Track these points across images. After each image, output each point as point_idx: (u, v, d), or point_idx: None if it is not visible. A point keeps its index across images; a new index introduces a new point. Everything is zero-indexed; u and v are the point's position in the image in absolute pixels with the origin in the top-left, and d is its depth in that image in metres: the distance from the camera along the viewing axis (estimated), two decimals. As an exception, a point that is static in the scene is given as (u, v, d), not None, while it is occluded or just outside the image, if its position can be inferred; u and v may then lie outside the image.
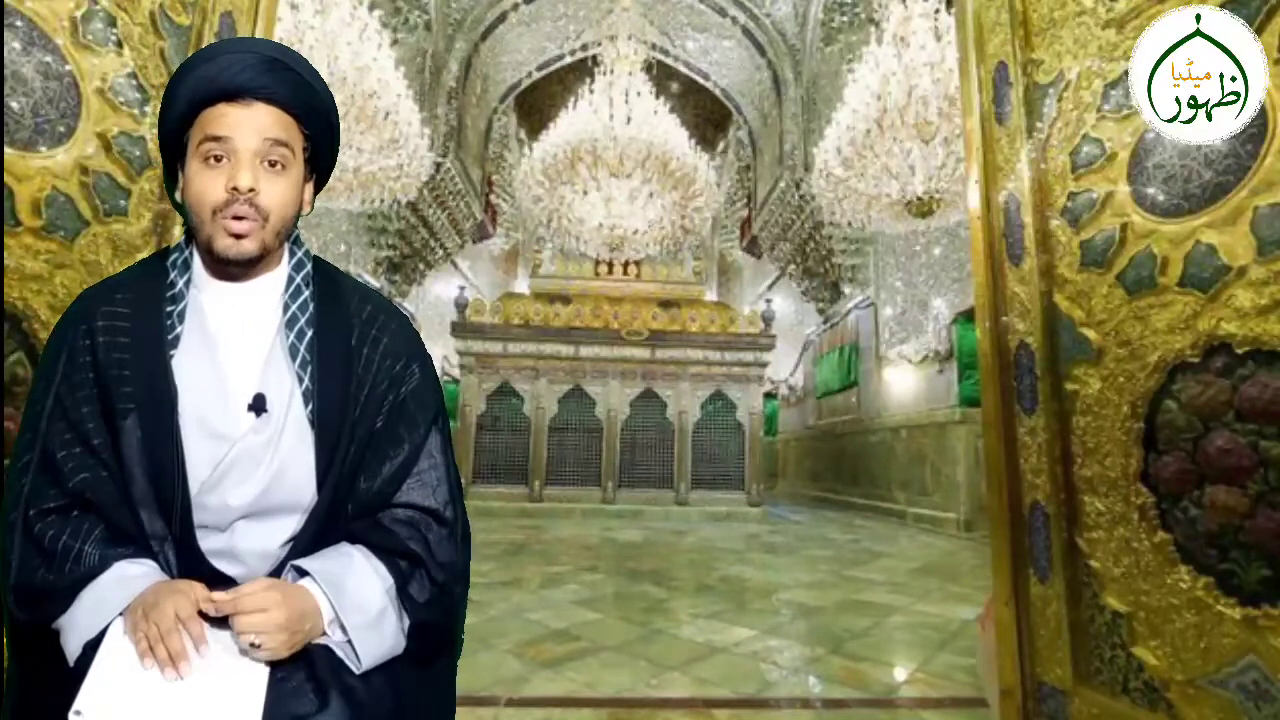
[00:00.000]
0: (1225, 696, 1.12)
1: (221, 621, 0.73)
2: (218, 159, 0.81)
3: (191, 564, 0.80)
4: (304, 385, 0.84)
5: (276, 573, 0.82)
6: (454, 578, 0.87)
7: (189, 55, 0.87)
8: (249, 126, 0.81)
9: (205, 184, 0.81)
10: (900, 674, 2.51)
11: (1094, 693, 1.33)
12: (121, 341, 0.81)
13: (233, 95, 0.81)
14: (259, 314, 0.88)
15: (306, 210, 0.92)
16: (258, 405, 0.81)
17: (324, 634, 0.76)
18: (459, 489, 0.93)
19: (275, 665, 0.73)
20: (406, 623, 0.81)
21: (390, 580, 0.82)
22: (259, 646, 0.70)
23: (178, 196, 0.87)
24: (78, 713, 0.63)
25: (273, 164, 0.83)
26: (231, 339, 0.86)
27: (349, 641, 0.76)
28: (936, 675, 2.44)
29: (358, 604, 0.78)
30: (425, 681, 0.87)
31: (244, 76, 0.82)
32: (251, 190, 0.81)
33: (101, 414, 0.79)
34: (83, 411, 0.79)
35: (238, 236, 0.81)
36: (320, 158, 0.93)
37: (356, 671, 0.76)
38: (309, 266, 0.93)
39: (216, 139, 0.81)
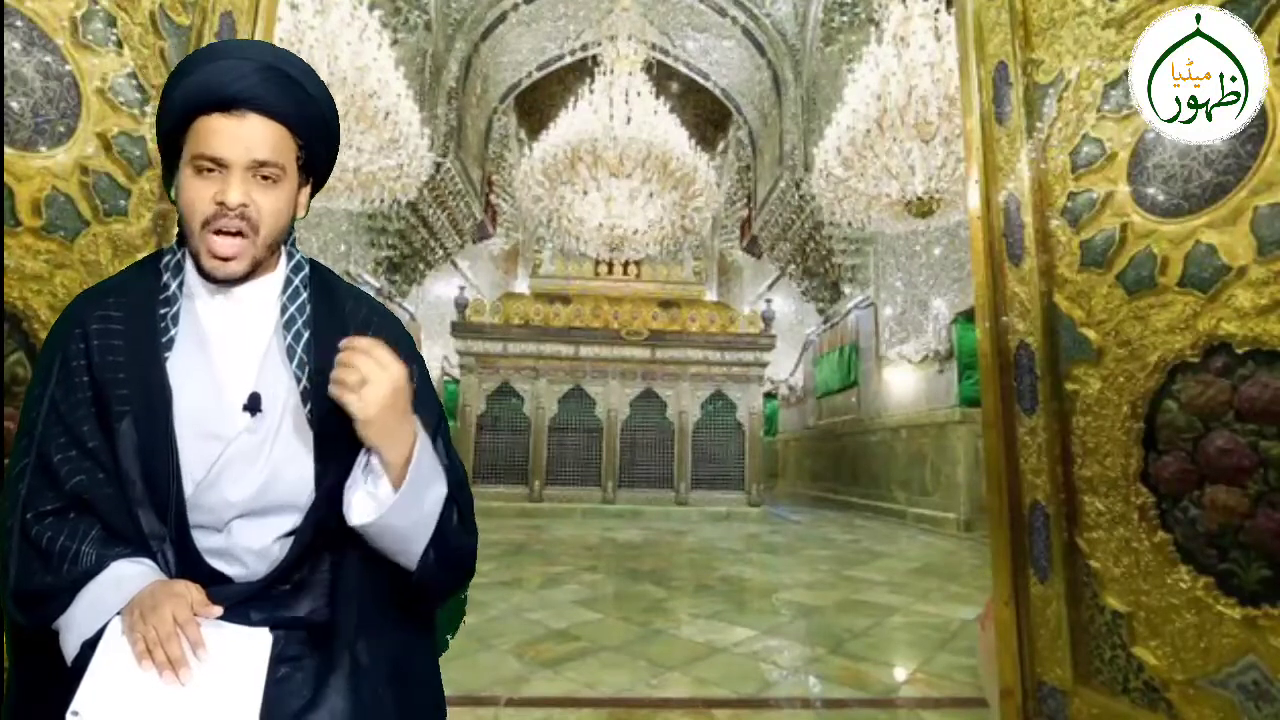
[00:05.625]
0: (1225, 696, 1.12)
1: (221, 621, 0.73)
2: (209, 169, 0.80)
3: (189, 564, 0.79)
4: (302, 385, 0.84)
5: (276, 573, 0.82)
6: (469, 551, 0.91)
7: (188, 55, 0.85)
8: (241, 143, 0.80)
9: (195, 194, 0.80)
10: (900, 674, 2.51)
11: (1094, 693, 1.33)
12: (116, 345, 0.81)
13: (226, 106, 0.80)
14: (254, 315, 0.88)
15: (301, 214, 0.91)
16: (252, 405, 0.81)
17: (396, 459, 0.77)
18: (467, 489, 0.92)
19: (276, 664, 0.73)
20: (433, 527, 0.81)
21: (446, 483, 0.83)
22: (343, 384, 0.74)
23: (174, 194, 0.86)
24: (75, 713, 0.63)
25: (265, 178, 0.82)
26: (226, 340, 0.86)
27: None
28: (936, 675, 2.44)
29: (428, 467, 0.80)
30: (424, 684, 0.88)
31: (238, 86, 0.80)
32: (242, 205, 0.80)
33: (97, 417, 0.79)
34: (78, 415, 0.79)
35: (225, 259, 0.81)
36: (316, 162, 0.92)
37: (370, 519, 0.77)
38: (307, 269, 0.93)
39: (208, 153, 0.80)
